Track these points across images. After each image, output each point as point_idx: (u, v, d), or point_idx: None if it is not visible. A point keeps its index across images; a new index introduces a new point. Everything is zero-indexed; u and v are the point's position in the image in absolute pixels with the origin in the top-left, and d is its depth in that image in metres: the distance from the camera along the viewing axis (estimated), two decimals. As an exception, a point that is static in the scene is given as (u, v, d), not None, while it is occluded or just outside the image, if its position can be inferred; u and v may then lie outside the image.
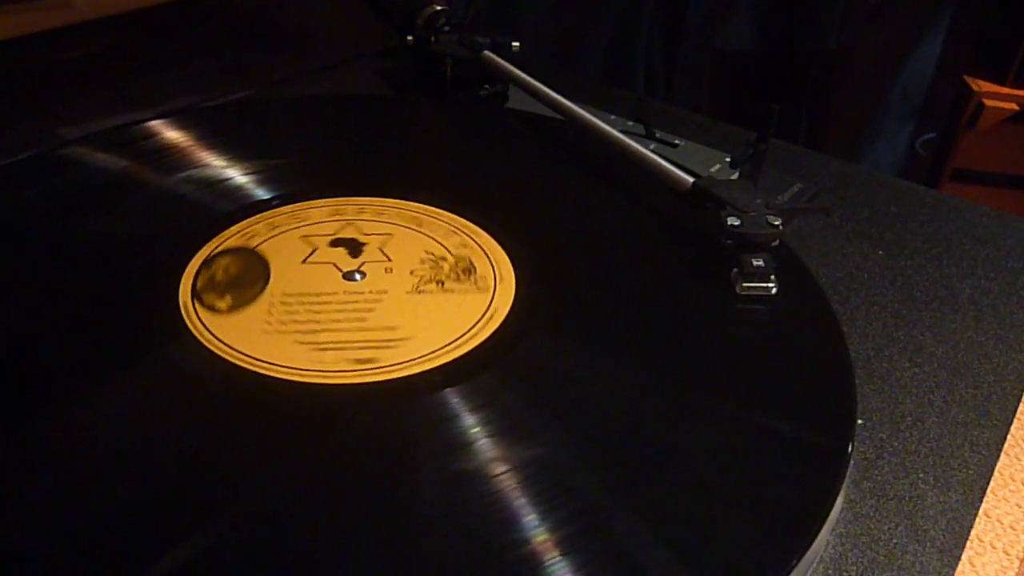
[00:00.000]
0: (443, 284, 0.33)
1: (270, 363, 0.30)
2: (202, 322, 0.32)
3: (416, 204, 0.39)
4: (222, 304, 0.32)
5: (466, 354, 0.31)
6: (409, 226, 0.37)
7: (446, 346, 0.31)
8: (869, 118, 1.06)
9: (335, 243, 0.36)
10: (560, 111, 0.47)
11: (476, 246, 0.36)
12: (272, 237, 0.37)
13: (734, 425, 0.30)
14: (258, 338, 0.31)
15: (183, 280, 0.34)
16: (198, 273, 0.34)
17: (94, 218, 0.38)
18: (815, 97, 1.02)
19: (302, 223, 0.38)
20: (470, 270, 0.34)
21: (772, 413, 0.30)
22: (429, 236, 0.36)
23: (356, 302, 0.33)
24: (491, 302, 0.33)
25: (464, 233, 0.36)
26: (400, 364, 0.30)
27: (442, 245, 0.36)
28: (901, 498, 0.31)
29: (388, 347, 0.31)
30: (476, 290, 0.33)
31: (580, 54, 0.99)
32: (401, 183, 0.41)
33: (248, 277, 0.34)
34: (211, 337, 0.31)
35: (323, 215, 0.38)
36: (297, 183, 0.41)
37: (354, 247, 0.36)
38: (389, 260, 0.35)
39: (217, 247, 0.36)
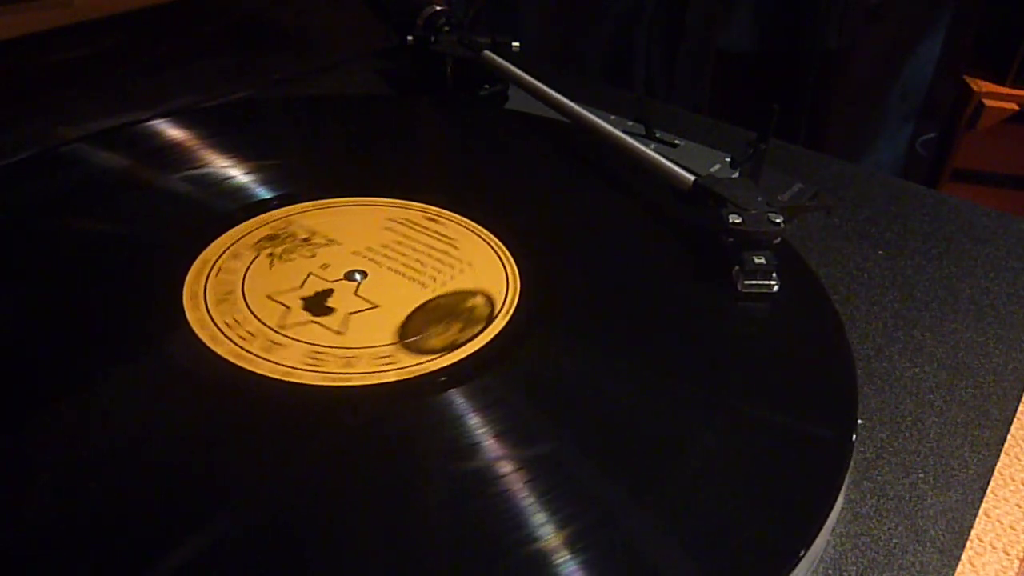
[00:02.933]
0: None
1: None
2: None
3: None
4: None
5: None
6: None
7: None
8: (869, 118, 1.06)
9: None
10: (560, 111, 0.47)
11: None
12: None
13: (735, 424, 0.30)
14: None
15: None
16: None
17: (94, 218, 0.38)
18: (815, 97, 1.02)
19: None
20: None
21: (773, 412, 0.30)
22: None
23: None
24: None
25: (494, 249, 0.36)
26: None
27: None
28: (901, 498, 0.31)
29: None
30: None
31: (580, 54, 0.99)
32: (401, 183, 0.41)
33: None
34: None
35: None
36: (298, 183, 0.41)
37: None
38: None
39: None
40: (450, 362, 0.31)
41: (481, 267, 0.36)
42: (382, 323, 0.33)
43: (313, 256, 0.36)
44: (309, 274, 0.35)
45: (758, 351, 0.34)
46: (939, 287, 0.42)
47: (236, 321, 0.32)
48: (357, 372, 0.30)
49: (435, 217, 0.39)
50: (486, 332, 0.32)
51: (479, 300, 0.34)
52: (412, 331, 0.32)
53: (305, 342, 0.31)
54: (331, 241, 0.36)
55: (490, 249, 0.37)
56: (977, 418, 0.34)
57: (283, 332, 0.32)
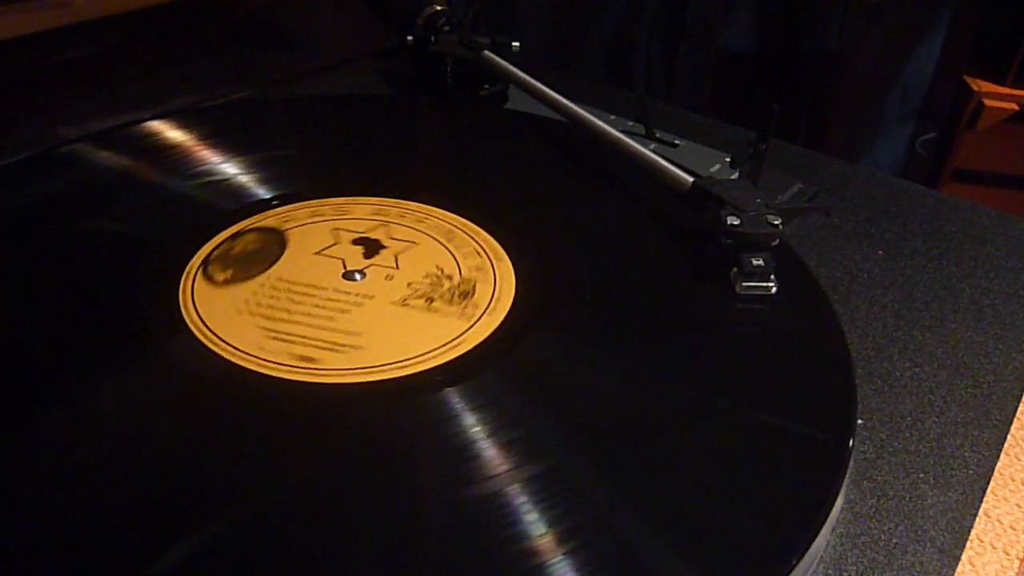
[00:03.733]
0: (432, 302, 0.33)
1: (222, 339, 0.31)
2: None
3: (453, 216, 0.39)
4: (221, 276, 0.33)
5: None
6: (438, 239, 0.37)
7: (392, 364, 0.30)
8: (869, 118, 1.06)
9: (357, 241, 0.36)
10: (560, 111, 0.47)
11: (490, 268, 0.35)
12: (307, 224, 0.37)
13: (734, 425, 0.30)
14: (229, 316, 0.32)
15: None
16: (221, 243, 0.35)
17: (94, 218, 0.38)
18: (815, 97, 1.02)
19: (341, 216, 0.38)
20: (468, 294, 0.33)
21: (772, 413, 0.30)
22: (450, 252, 0.36)
23: (337, 301, 0.33)
24: (466, 331, 0.32)
25: (485, 255, 0.36)
26: (338, 370, 0.30)
27: (457, 264, 0.35)
28: (901, 498, 0.31)
29: (336, 351, 0.31)
30: (460, 316, 0.32)
31: (580, 54, 0.99)
32: (400, 183, 0.41)
33: (260, 256, 0.35)
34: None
35: (365, 212, 0.38)
36: (297, 183, 0.41)
37: (372, 249, 0.36)
38: (396, 268, 0.35)
39: (254, 224, 0.37)
40: (446, 360, 0.31)
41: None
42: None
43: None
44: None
45: (756, 352, 0.34)
46: (939, 287, 0.42)
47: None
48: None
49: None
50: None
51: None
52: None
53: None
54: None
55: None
56: (977, 418, 0.34)
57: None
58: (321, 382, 0.29)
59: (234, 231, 0.36)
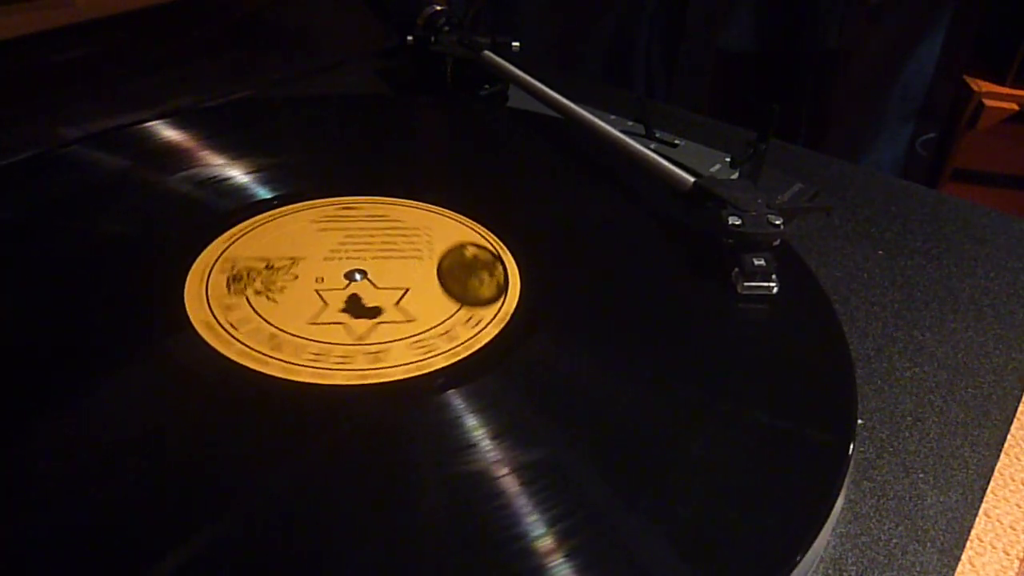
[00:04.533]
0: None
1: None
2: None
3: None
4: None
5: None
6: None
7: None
8: (869, 118, 1.06)
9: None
10: (560, 111, 0.47)
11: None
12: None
13: (735, 425, 0.30)
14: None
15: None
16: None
17: (95, 218, 0.38)
18: (815, 97, 1.02)
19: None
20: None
21: (772, 413, 0.30)
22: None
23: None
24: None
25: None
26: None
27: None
28: (901, 498, 0.31)
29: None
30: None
31: (580, 54, 0.99)
32: (401, 183, 0.41)
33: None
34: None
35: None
36: (298, 183, 0.41)
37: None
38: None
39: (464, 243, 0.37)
40: (448, 363, 0.31)
41: (441, 231, 0.36)
42: (427, 300, 0.34)
43: (296, 278, 0.35)
44: (316, 290, 0.34)
45: (757, 352, 0.34)
46: (939, 287, 0.42)
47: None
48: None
49: (352, 205, 0.39)
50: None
51: (471, 248, 0.35)
52: (460, 294, 0.33)
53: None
54: (292, 259, 0.36)
55: (446, 219, 0.37)
56: (977, 418, 0.34)
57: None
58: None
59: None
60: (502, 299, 0.34)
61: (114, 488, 0.26)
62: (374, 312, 0.33)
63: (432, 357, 0.31)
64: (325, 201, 0.39)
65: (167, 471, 0.27)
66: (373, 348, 0.31)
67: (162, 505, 0.25)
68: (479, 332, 0.32)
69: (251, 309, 0.33)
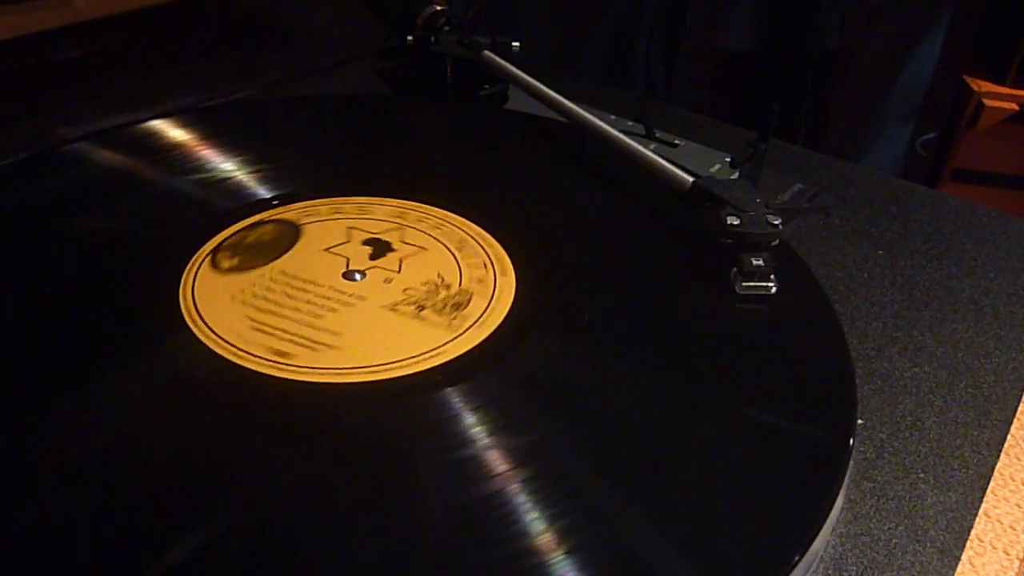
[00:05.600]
0: (422, 310, 0.33)
1: (208, 326, 0.31)
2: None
3: (465, 222, 0.39)
4: (227, 264, 0.33)
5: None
6: (449, 247, 0.36)
7: (362, 367, 0.30)
8: (869, 118, 1.06)
9: (368, 242, 0.36)
10: (560, 111, 0.47)
11: (491, 280, 0.35)
12: (326, 220, 0.37)
13: (734, 425, 0.30)
14: (223, 304, 0.32)
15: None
16: (237, 231, 0.36)
17: (94, 218, 0.38)
18: (815, 97, 1.01)
19: (361, 215, 0.38)
20: (460, 305, 0.33)
21: (772, 413, 0.30)
22: (456, 261, 0.36)
23: (329, 299, 0.33)
24: (448, 342, 0.32)
25: (491, 266, 0.36)
26: (309, 368, 0.30)
27: (460, 274, 0.35)
28: (901, 498, 0.31)
29: (312, 348, 0.31)
30: (446, 327, 0.32)
31: (580, 54, 0.99)
32: (401, 183, 0.41)
33: (270, 247, 0.35)
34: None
35: (385, 213, 0.38)
36: (297, 183, 0.41)
37: (380, 251, 0.36)
38: (397, 272, 0.35)
39: (273, 216, 0.37)
40: (446, 360, 0.31)
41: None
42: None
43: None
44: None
45: (756, 352, 0.34)
46: (939, 287, 0.42)
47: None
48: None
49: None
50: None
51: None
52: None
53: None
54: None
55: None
56: (977, 418, 0.34)
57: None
58: (287, 378, 0.30)
59: (253, 220, 0.37)
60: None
61: (111, 488, 0.26)
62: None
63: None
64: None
65: (164, 472, 0.27)
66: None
67: (160, 506, 0.25)
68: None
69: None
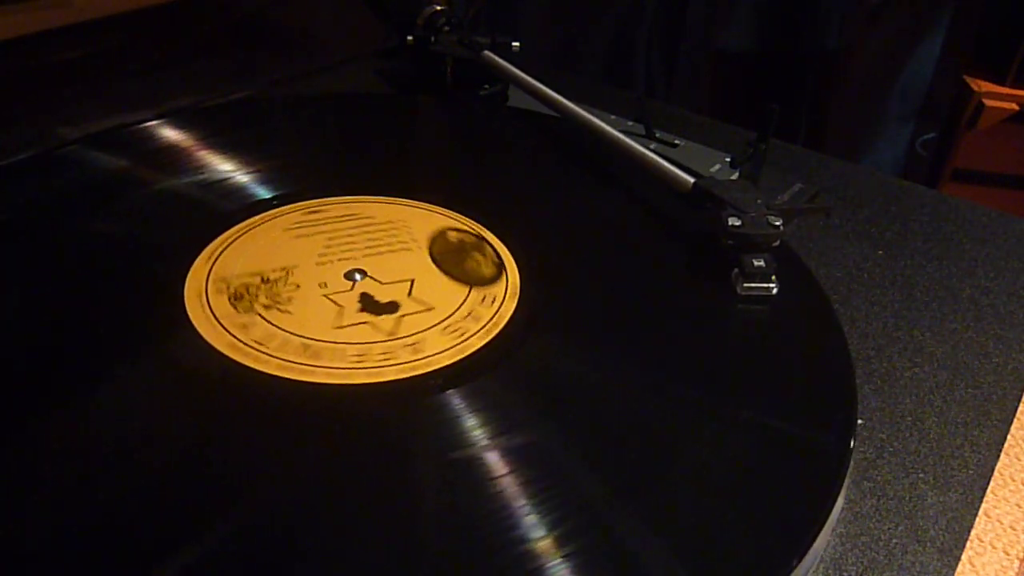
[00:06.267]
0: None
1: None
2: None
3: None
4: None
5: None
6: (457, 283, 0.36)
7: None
8: (869, 118, 1.06)
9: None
10: (560, 111, 0.47)
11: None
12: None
13: (735, 425, 0.30)
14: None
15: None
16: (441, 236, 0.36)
17: (94, 218, 0.38)
18: (815, 97, 1.02)
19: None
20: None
21: (773, 413, 0.30)
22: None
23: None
24: (469, 337, 0.32)
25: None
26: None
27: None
28: (901, 498, 0.31)
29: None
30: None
31: (580, 54, 0.99)
32: (401, 183, 0.41)
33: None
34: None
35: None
36: (297, 183, 0.41)
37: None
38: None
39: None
40: (447, 363, 0.31)
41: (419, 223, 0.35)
42: (435, 288, 0.34)
43: (298, 287, 0.34)
44: (324, 295, 0.34)
45: (757, 353, 0.34)
46: (939, 287, 0.42)
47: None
48: (408, 362, 0.30)
49: (320, 209, 0.39)
50: (484, 331, 0.32)
51: (453, 233, 0.35)
52: (463, 277, 0.34)
53: (346, 343, 0.31)
54: (286, 269, 0.35)
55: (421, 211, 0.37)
56: (977, 418, 0.34)
57: (317, 338, 0.32)
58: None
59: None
60: (504, 274, 0.34)
61: (113, 488, 0.26)
62: (392, 307, 0.33)
63: (468, 339, 0.32)
64: (297, 206, 0.39)
65: (166, 471, 0.27)
66: (409, 340, 0.31)
67: (162, 505, 0.25)
68: (499, 308, 0.33)
69: (269, 324, 0.32)
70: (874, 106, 1.05)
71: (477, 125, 0.51)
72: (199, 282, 0.34)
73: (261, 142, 0.45)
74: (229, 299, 0.33)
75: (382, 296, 0.34)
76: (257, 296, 0.33)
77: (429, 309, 0.33)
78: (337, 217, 0.38)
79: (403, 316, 0.33)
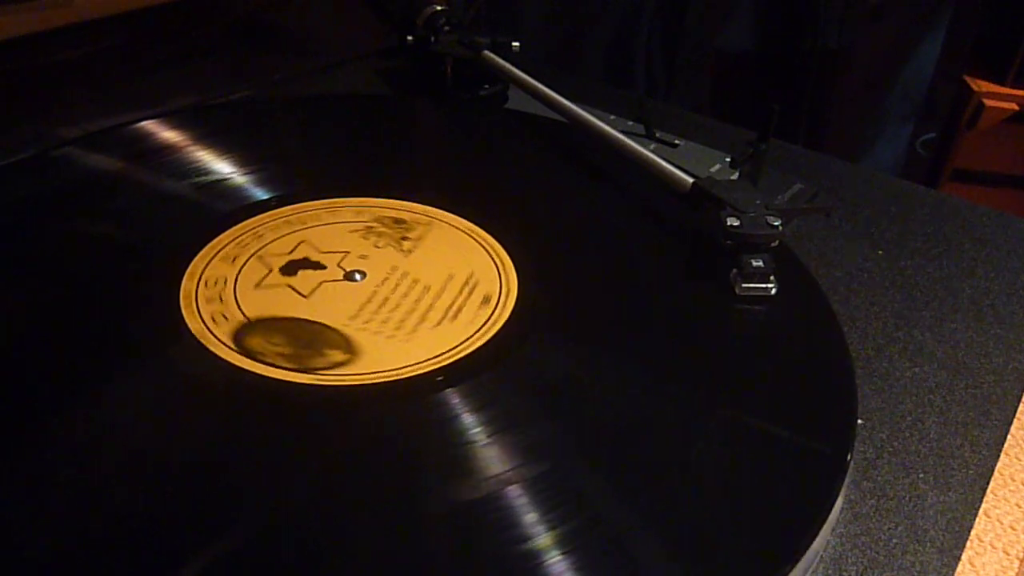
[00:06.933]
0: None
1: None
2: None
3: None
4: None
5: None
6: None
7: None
8: (869, 118, 1.06)
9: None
10: (560, 111, 0.47)
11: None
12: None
13: (734, 425, 0.30)
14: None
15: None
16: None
17: (93, 218, 0.38)
18: (815, 97, 1.01)
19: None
20: (486, 299, 0.34)
21: (772, 413, 0.30)
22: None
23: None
24: (468, 338, 0.32)
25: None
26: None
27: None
28: (901, 498, 0.31)
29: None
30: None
31: (580, 54, 0.99)
32: (401, 183, 0.41)
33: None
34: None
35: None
36: (297, 183, 0.41)
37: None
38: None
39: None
40: (447, 362, 0.31)
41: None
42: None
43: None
44: (321, 282, 0.35)
45: (756, 353, 0.34)
46: (939, 287, 0.42)
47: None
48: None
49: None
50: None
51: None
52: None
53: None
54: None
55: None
56: (977, 418, 0.34)
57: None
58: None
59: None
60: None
61: (112, 491, 0.26)
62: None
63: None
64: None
65: (163, 473, 0.27)
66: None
67: (163, 512, 0.25)
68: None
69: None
70: (874, 106, 1.05)
71: (476, 125, 0.51)
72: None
73: (260, 142, 0.45)
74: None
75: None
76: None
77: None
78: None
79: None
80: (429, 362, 0.31)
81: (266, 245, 0.36)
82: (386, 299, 0.34)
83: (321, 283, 0.34)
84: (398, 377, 0.30)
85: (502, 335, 0.32)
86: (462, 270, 0.36)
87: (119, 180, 0.41)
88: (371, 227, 0.38)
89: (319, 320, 0.32)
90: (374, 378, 0.30)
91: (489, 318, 0.33)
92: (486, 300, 0.34)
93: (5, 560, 0.23)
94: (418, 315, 0.33)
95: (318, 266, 0.35)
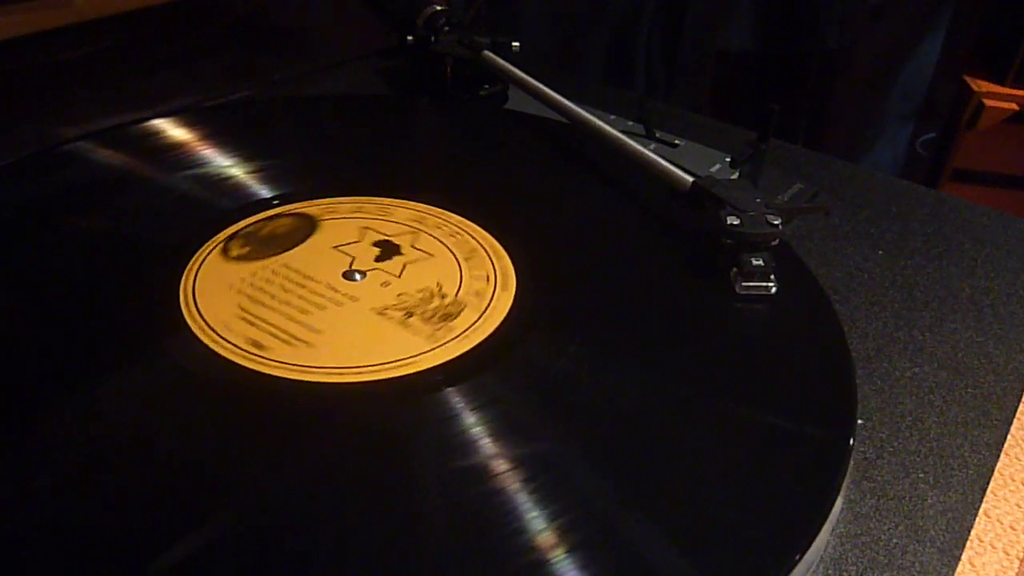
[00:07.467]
0: (409, 317, 0.32)
1: (200, 315, 0.32)
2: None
3: (481, 231, 0.38)
4: (236, 252, 0.34)
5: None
6: (458, 256, 0.36)
7: (332, 368, 0.30)
8: (869, 118, 1.06)
9: (378, 243, 0.36)
10: (560, 111, 0.47)
11: (489, 295, 0.34)
12: (344, 218, 0.38)
13: (734, 425, 0.30)
14: (219, 291, 0.33)
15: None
16: (256, 221, 0.37)
17: (94, 218, 0.38)
18: (815, 97, 1.01)
19: (380, 217, 0.38)
20: (450, 316, 0.33)
21: (772, 413, 0.30)
22: (461, 272, 0.35)
23: (322, 296, 0.33)
24: (426, 352, 0.31)
25: (493, 279, 0.35)
26: (281, 363, 0.30)
27: (460, 284, 0.35)
28: (901, 498, 0.31)
29: (289, 343, 0.31)
30: (427, 337, 0.32)
31: (580, 54, 0.99)
32: (401, 183, 0.41)
33: (282, 240, 0.35)
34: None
35: (405, 217, 0.38)
36: (297, 183, 0.41)
37: (387, 253, 0.36)
38: (398, 277, 0.35)
39: (294, 210, 0.38)
40: (446, 359, 0.31)
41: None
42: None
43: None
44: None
45: (756, 352, 0.34)
46: (939, 287, 0.42)
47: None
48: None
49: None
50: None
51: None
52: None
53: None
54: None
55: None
56: (977, 418, 0.34)
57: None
58: (254, 368, 0.30)
59: (274, 213, 0.38)
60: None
61: (110, 490, 0.26)
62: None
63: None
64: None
65: (163, 472, 0.27)
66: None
67: (157, 505, 0.25)
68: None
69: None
70: (874, 106, 1.05)
71: (476, 125, 0.51)
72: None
73: (261, 142, 0.45)
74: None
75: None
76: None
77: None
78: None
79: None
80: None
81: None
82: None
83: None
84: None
85: (502, 333, 0.32)
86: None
87: (119, 179, 0.41)
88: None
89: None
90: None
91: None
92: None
93: (4, 557, 0.23)
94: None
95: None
